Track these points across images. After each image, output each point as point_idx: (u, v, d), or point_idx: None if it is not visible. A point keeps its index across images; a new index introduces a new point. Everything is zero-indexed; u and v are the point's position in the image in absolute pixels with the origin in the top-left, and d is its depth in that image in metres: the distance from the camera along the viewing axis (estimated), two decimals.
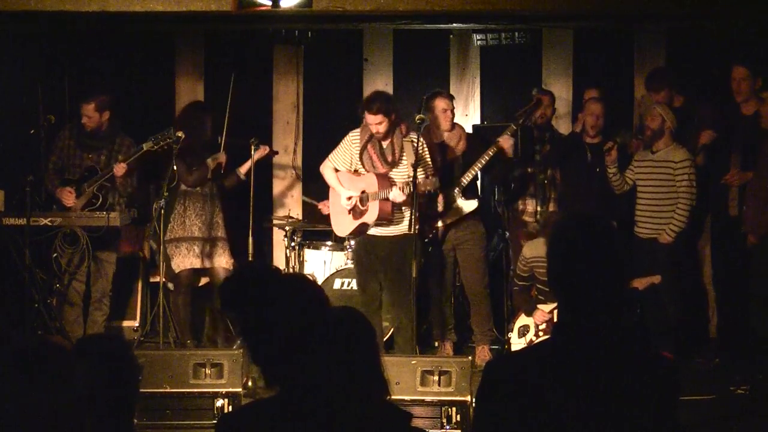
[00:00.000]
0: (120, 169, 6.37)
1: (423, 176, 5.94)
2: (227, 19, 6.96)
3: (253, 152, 6.67)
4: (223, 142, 6.67)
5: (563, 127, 7.47)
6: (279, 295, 2.14)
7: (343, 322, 2.66)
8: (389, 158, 6.11)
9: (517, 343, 6.15)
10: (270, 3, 6.08)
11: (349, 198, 6.19)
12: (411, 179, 5.88)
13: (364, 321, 2.77)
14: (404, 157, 6.10)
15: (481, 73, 7.78)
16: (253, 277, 2.18)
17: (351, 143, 6.23)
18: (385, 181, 6.08)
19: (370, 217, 6.15)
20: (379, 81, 7.81)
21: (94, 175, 6.49)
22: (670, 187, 6.28)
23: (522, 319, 6.20)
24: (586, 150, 6.67)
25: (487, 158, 6.36)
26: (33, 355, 1.81)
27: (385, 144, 6.13)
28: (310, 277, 6.64)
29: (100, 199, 6.48)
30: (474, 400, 2.89)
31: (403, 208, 6.08)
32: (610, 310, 2.17)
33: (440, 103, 6.44)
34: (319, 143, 7.77)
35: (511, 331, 6.27)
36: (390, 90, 7.75)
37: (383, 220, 6.10)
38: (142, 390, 4.93)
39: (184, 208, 6.60)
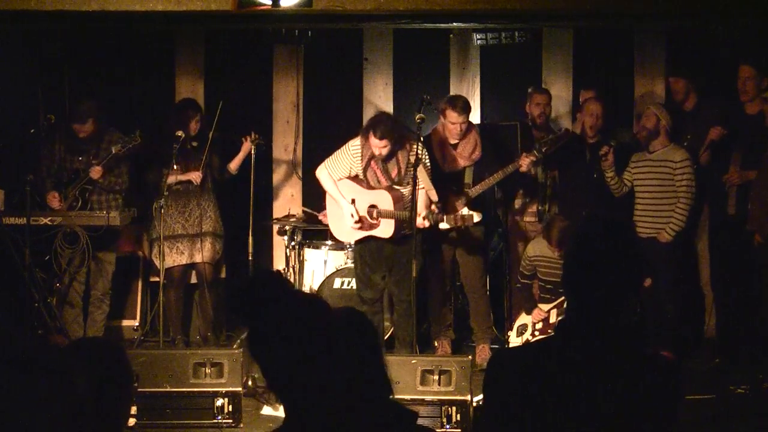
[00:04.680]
0: (95, 172, 6.48)
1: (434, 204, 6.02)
2: (227, 18, 6.96)
3: (247, 148, 6.78)
4: (211, 137, 6.71)
5: (563, 127, 7.46)
6: (290, 306, 2.08)
7: (345, 323, 2.65)
8: (393, 175, 6.10)
9: (514, 342, 6.16)
10: (270, 2, 6.07)
11: (354, 216, 6.12)
12: (434, 209, 5.98)
13: (366, 321, 2.76)
14: (409, 175, 6.06)
15: (481, 73, 7.77)
16: (264, 285, 2.11)
17: (352, 155, 6.18)
18: (400, 200, 6.04)
19: (383, 233, 6.15)
20: (379, 81, 7.81)
21: (77, 179, 6.54)
22: (669, 186, 6.28)
23: (522, 318, 6.22)
24: (585, 150, 6.66)
25: (501, 176, 6.30)
26: (32, 356, 1.80)
27: (389, 161, 6.11)
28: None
29: (80, 202, 6.53)
30: (481, 390, 2.83)
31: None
32: (616, 311, 2.19)
33: (450, 116, 6.30)
34: (319, 143, 7.77)
35: (511, 329, 6.28)
36: (390, 89, 7.76)
37: (395, 238, 6.11)
38: (142, 390, 4.97)
39: (167, 207, 6.64)
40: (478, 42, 7.48)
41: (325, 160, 6.29)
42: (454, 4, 6.46)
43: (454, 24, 7.51)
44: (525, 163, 6.26)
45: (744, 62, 6.25)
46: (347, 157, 6.20)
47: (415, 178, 5.89)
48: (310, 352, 2.04)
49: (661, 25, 7.51)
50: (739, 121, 6.31)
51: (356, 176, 6.24)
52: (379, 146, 5.98)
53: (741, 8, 6.60)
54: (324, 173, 6.27)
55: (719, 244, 6.46)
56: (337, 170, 6.24)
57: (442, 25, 7.53)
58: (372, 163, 6.13)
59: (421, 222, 5.95)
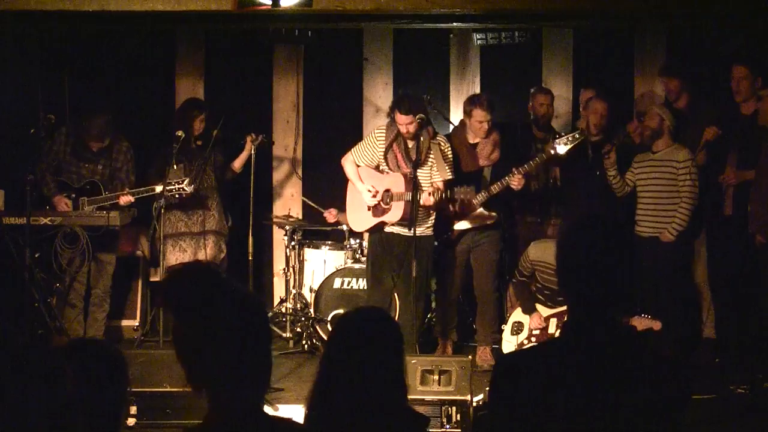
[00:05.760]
0: (125, 201, 6.46)
1: (440, 180, 6.01)
2: (227, 18, 6.97)
3: (250, 147, 6.77)
4: (214, 136, 6.70)
5: (563, 126, 7.46)
6: (216, 302, 1.98)
7: (372, 323, 2.63)
8: (414, 158, 6.03)
9: (508, 340, 6.13)
10: (270, 2, 6.08)
11: (371, 192, 6.12)
12: (444, 185, 5.95)
13: (392, 321, 2.74)
14: (430, 159, 6.08)
15: (481, 73, 7.77)
16: (193, 278, 2.03)
17: (376, 140, 6.20)
18: (412, 183, 5.99)
19: (393, 216, 6.13)
20: (379, 80, 7.81)
21: (95, 190, 6.52)
22: (672, 186, 6.27)
23: (517, 314, 6.19)
24: (587, 148, 6.65)
25: (499, 188, 6.30)
26: (24, 357, 1.80)
27: (411, 144, 6.09)
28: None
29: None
30: (487, 391, 2.80)
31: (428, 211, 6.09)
32: (615, 310, 2.18)
33: (477, 114, 6.32)
34: (319, 143, 7.79)
35: (505, 324, 6.27)
36: (390, 89, 7.76)
37: (404, 221, 6.05)
38: (142, 390, 4.97)
39: (170, 206, 6.64)
40: (478, 42, 7.49)
41: (352, 149, 6.31)
42: (454, 4, 6.47)
43: (454, 24, 7.52)
44: (514, 182, 6.20)
45: (737, 62, 6.25)
46: (371, 142, 6.22)
47: (415, 179, 5.88)
48: (230, 345, 1.96)
49: (661, 25, 7.51)
50: (735, 121, 6.31)
51: (377, 166, 6.24)
52: (406, 122, 5.94)
53: (738, 8, 6.60)
54: (349, 159, 6.28)
55: (717, 244, 6.46)
56: (361, 156, 6.25)
57: (442, 25, 7.54)
58: (394, 145, 6.13)
59: (427, 198, 5.92)
